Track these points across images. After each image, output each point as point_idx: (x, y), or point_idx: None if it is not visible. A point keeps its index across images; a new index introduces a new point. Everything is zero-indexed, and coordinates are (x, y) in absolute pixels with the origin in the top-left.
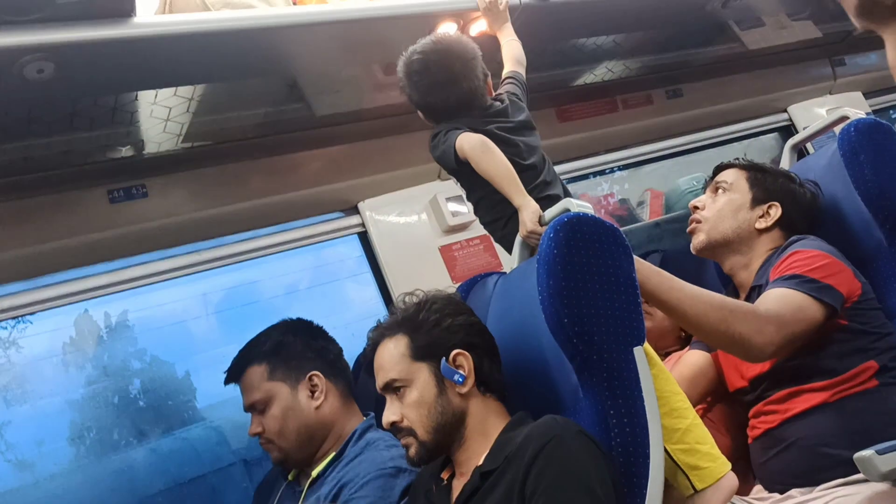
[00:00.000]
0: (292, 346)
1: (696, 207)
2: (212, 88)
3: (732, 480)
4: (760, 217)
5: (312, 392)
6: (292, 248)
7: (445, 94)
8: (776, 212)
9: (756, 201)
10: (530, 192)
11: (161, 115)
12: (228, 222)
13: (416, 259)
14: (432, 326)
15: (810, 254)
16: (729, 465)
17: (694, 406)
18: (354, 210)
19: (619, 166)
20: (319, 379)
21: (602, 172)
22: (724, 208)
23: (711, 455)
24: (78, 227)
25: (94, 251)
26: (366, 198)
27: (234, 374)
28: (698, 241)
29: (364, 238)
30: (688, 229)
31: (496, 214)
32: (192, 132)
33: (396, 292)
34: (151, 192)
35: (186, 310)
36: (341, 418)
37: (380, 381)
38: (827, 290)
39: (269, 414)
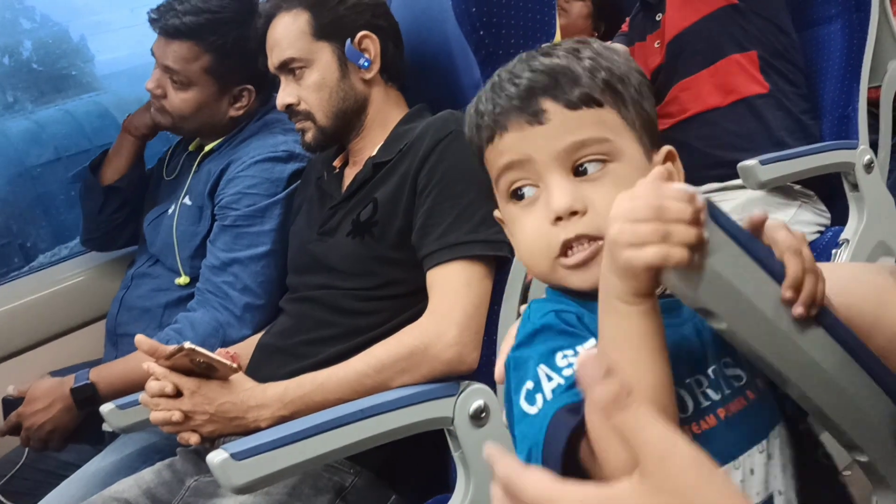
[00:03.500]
0: (242, 48)
1: None
2: None
3: None
4: None
5: (235, 101)
6: None
7: None
8: None
9: None
10: None
11: None
12: None
13: None
14: (337, 3)
15: None
16: None
17: None
18: None
19: None
20: (249, 94)
21: None
22: None
23: None
24: None
25: None
26: None
27: (167, 31)
28: None
29: None
30: None
31: None
32: None
33: None
34: None
35: None
36: (252, 112)
37: (275, 59)
38: None
39: (181, 96)
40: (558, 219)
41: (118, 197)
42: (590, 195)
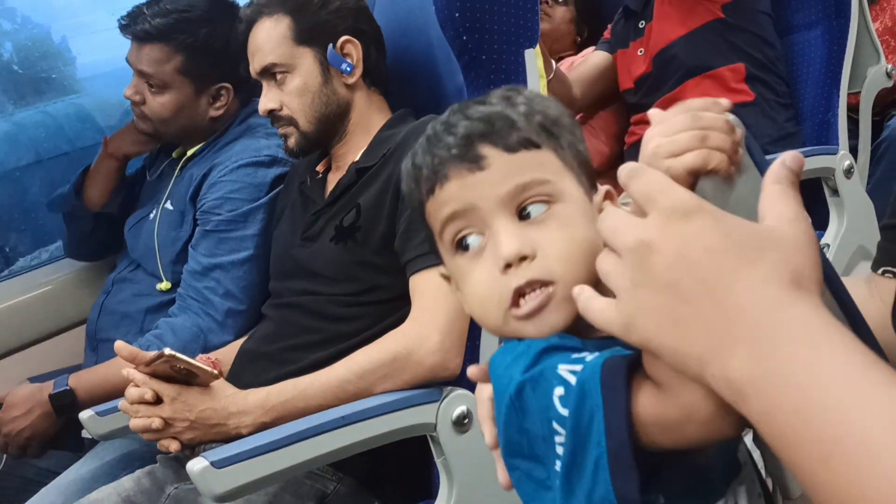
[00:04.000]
0: (213, 46)
1: None
2: None
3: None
4: None
5: (214, 100)
6: None
7: None
8: None
9: None
10: None
11: None
12: None
13: None
14: (319, 7)
15: None
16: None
17: (591, 104)
18: None
19: None
20: (227, 92)
21: None
22: None
23: None
24: None
25: None
26: None
27: (137, 35)
28: None
29: None
30: None
31: None
32: None
33: None
34: None
35: None
36: (232, 112)
37: (256, 64)
38: None
39: (159, 100)
40: (507, 266)
41: (108, 219)
42: (537, 238)
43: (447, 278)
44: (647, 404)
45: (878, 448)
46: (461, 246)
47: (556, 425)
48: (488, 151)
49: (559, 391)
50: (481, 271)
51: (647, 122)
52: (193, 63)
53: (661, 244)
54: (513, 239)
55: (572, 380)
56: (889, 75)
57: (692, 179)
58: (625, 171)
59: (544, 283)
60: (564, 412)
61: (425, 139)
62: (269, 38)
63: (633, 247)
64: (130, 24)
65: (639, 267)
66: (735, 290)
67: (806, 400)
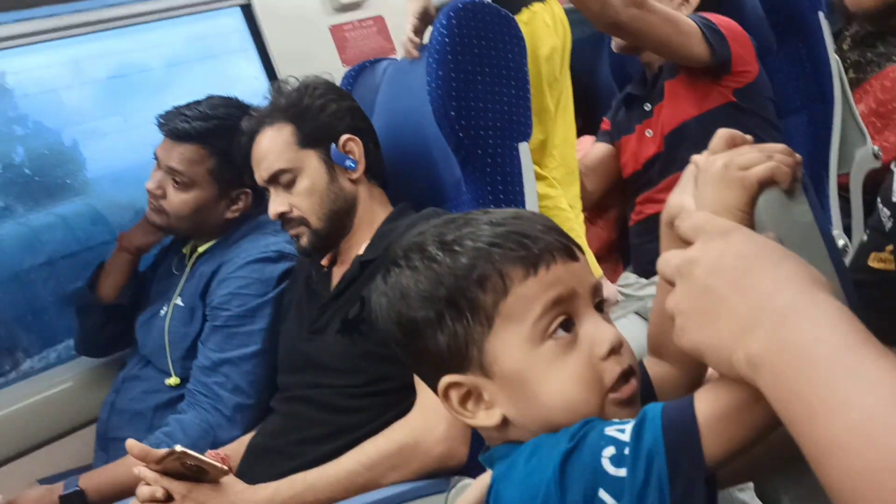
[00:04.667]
0: (235, 156)
1: None
2: None
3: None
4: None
5: (233, 203)
6: (167, 18)
7: None
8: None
9: None
10: None
11: None
12: None
13: (305, 37)
14: (318, 112)
15: (720, 17)
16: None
17: (598, 193)
18: None
19: None
20: (246, 197)
21: None
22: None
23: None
24: None
25: None
26: None
27: (175, 133)
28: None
29: (247, 11)
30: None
31: None
32: None
33: (282, 73)
34: None
35: (59, 77)
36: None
37: (263, 172)
38: (718, 36)
39: (181, 197)
40: (611, 352)
41: (119, 312)
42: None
43: (449, 392)
44: (716, 398)
45: (852, 406)
46: (552, 334)
47: (603, 494)
48: (574, 247)
49: (609, 451)
50: (578, 357)
51: (653, 201)
52: (224, 167)
53: (701, 257)
54: (611, 328)
55: (623, 437)
56: (876, 156)
57: (759, 191)
58: (678, 220)
59: (632, 373)
60: (619, 472)
61: (494, 225)
62: (274, 146)
63: (680, 264)
64: (167, 123)
65: (684, 280)
66: (761, 285)
67: (806, 368)
